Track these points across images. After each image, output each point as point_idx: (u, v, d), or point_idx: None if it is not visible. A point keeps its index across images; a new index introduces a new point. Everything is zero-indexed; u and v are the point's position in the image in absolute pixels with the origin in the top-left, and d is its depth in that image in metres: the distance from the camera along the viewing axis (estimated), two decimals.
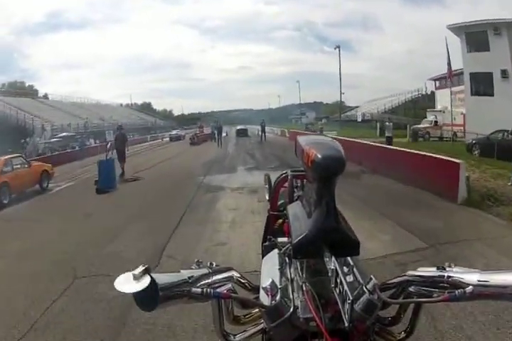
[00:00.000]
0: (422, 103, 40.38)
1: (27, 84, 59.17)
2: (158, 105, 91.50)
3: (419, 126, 26.16)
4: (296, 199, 1.32)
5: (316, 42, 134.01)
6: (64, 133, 27.33)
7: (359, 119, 41.65)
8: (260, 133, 29.77)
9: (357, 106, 52.82)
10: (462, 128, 23.35)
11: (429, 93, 41.41)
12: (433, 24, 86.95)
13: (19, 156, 10.96)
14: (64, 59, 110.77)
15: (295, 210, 1.05)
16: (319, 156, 0.80)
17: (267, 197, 1.86)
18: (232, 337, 0.87)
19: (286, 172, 1.66)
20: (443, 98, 29.07)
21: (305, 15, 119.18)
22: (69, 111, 43.08)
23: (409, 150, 10.32)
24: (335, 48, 44.71)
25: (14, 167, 9.96)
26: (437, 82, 34.60)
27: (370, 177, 10.59)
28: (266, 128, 30.14)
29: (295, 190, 1.55)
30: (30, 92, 49.14)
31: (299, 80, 68.53)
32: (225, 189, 9.64)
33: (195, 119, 68.37)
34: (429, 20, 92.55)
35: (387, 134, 18.58)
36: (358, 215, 5.77)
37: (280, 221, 1.57)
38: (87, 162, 18.08)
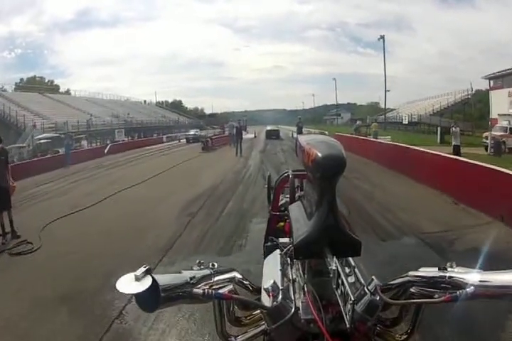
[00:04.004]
0: (466, 106, 37.49)
1: (46, 80, 55.91)
2: (190, 103, 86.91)
3: (494, 133, 20.59)
4: (298, 200, 1.28)
5: (349, 43, 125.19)
6: (43, 135, 21.90)
7: (405, 121, 38.87)
8: (296, 135, 22.17)
9: (394, 109, 49.66)
10: None
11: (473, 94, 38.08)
12: (466, 27, 78.26)
13: None
14: (97, 56, 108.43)
15: (296, 210, 1.04)
16: (320, 156, 0.79)
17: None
18: (233, 338, 0.86)
19: (287, 172, 1.70)
20: (499, 99, 25.69)
21: (339, 15, 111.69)
22: (78, 108, 38.36)
23: None
24: (379, 39, 41.65)
25: None
26: (491, 81, 29.48)
27: None
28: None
29: (296, 190, 1.56)
30: (45, 87, 45.21)
31: (335, 78, 61.23)
32: None
33: (222, 118, 63.04)
34: (462, 23, 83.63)
35: (454, 142, 14.84)
36: None
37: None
38: (67, 172, 14.54)
